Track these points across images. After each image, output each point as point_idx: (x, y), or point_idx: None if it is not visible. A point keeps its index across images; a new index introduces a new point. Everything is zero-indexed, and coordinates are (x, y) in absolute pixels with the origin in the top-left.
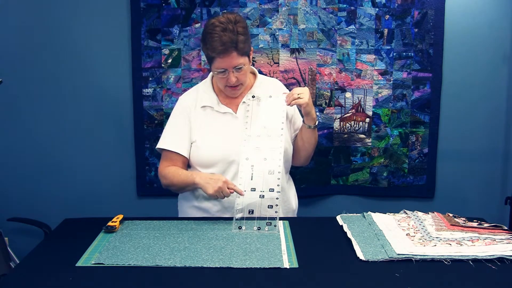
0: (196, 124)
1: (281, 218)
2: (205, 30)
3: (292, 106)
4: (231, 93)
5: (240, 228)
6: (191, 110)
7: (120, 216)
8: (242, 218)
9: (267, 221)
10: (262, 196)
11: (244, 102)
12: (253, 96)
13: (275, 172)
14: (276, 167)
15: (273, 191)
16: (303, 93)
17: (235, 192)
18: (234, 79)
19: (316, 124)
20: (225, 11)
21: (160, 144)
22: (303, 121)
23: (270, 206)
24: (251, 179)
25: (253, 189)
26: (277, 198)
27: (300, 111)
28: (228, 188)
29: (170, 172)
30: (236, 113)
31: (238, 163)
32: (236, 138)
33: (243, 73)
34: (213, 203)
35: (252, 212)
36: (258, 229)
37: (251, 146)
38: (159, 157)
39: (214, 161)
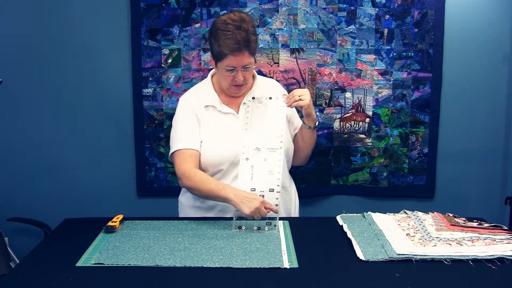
0: (202, 124)
1: (281, 218)
2: (216, 26)
3: (292, 107)
4: (234, 92)
5: (240, 228)
6: (196, 108)
7: (120, 216)
8: (242, 218)
9: (267, 221)
10: (262, 196)
11: (245, 103)
12: (253, 98)
13: (275, 173)
14: (276, 167)
15: (273, 191)
16: (304, 95)
17: (238, 180)
18: (241, 78)
19: (316, 124)
20: (234, 9)
21: (176, 146)
22: (303, 121)
23: None
24: (251, 179)
25: (253, 189)
26: (277, 198)
27: (299, 111)
28: (265, 208)
29: (197, 175)
30: (238, 114)
31: (239, 162)
32: (239, 138)
33: (250, 73)
34: (213, 203)
35: None
36: (258, 229)
37: (251, 147)
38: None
39: (220, 162)
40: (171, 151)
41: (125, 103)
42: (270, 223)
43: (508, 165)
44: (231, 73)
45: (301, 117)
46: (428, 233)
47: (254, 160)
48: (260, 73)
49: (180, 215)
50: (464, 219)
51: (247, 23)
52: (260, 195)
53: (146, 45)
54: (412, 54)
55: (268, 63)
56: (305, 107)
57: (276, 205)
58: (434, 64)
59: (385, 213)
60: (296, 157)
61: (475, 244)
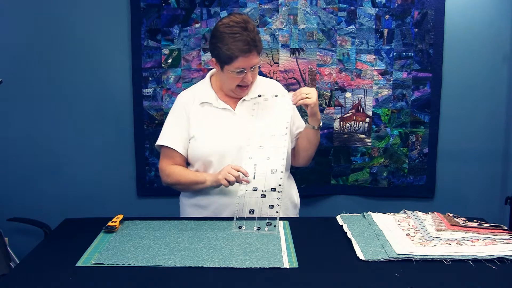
0: (195, 120)
1: (281, 218)
2: (220, 31)
3: (298, 105)
4: (239, 93)
5: (240, 228)
6: (190, 105)
7: (120, 216)
8: (242, 218)
9: (267, 221)
10: (263, 196)
11: (244, 99)
12: (260, 95)
13: (278, 172)
14: (279, 166)
15: (274, 190)
16: (311, 93)
17: (238, 184)
18: (250, 79)
19: (320, 125)
20: (234, 12)
21: (160, 141)
22: (307, 121)
23: (271, 206)
24: (253, 178)
25: (255, 189)
26: (278, 198)
27: (301, 110)
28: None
29: (176, 170)
30: (234, 110)
31: (233, 157)
32: (234, 133)
33: (256, 72)
34: (212, 200)
35: (253, 212)
36: (258, 229)
37: (255, 145)
38: (159, 157)
39: (210, 154)
40: (157, 142)
41: (125, 103)
42: (270, 224)
43: (508, 165)
44: (240, 74)
45: (305, 116)
46: (428, 233)
47: (257, 158)
48: (260, 73)
49: (182, 215)
50: (464, 219)
51: (251, 24)
52: (261, 195)
53: (146, 45)
54: (412, 54)
55: (268, 63)
56: (311, 106)
57: (277, 205)
58: (434, 64)
59: (385, 213)
60: (299, 158)
61: (475, 244)
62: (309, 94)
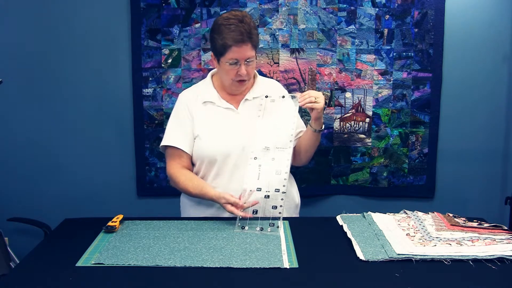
0: (198, 119)
1: (283, 218)
2: (218, 23)
3: (305, 108)
4: (237, 87)
5: (243, 228)
6: (193, 105)
7: (120, 216)
8: (245, 218)
9: (270, 221)
10: (267, 197)
11: (247, 99)
12: (267, 96)
13: (282, 173)
14: (284, 167)
15: (278, 191)
16: (320, 98)
17: (244, 180)
18: (245, 72)
19: (323, 128)
20: (234, 8)
21: (165, 142)
22: (310, 124)
23: (274, 207)
24: (258, 179)
25: (259, 189)
26: (282, 199)
27: (301, 110)
28: (231, 204)
29: (181, 180)
30: (237, 109)
31: (236, 156)
32: (238, 133)
33: (252, 67)
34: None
35: (256, 212)
36: (261, 230)
37: (260, 146)
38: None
39: (215, 154)
40: (161, 143)
41: (125, 103)
42: (273, 224)
43: (508, 165)
44: (234, 66)
45: (305, 117)
46: (428, 233)
47: (262, 159)
48: (260, 73)
49: (182, 215)
50: (464, 219)
51: (248, 18)
52: (265, 195)
53: (146, 45)
54: (412, 54)
55: (268, 63)
56: (318, 111)
57: (281, 205)
58: (434, 64)
59: (385, 213)
60: (299, 158)
61: (475, 244)
62: (318, 99)
